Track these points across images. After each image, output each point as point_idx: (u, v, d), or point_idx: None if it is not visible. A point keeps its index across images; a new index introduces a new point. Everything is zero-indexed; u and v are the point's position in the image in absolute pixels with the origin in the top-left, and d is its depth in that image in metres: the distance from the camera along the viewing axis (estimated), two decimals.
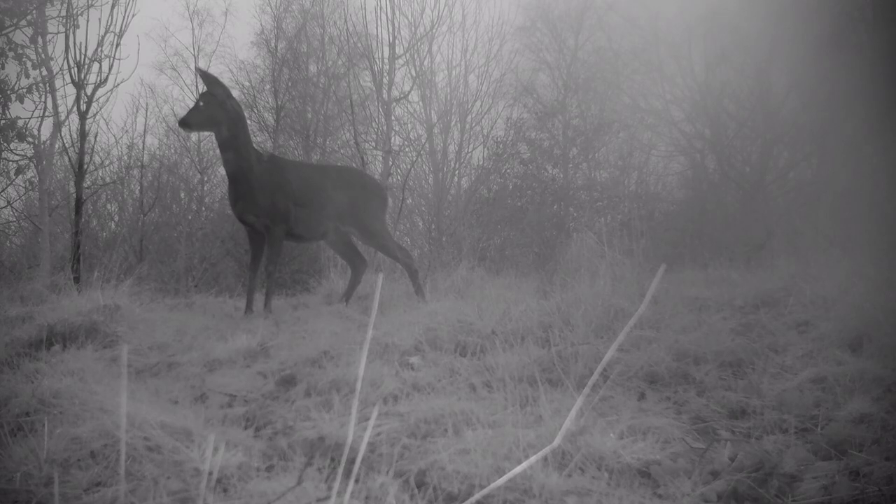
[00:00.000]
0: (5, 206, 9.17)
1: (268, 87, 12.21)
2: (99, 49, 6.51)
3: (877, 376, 2.23)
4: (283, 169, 4.88)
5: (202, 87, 4.81)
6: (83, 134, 6.58)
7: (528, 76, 12.43)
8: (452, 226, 10.75)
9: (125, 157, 11.60)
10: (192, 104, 4.93)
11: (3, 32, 6.42)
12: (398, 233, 9.97)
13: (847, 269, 4.09)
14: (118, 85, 6.68)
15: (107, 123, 13.27)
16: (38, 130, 7.43)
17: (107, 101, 7.55)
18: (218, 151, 5.07)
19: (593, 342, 2.81)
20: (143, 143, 12.11)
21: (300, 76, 12.34)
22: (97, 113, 6.91)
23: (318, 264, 8.35)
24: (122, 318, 3.54)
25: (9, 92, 6.59)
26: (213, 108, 4.62)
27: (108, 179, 10.84)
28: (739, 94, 9.97)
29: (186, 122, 4.71)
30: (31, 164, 7.61)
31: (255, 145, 4.92)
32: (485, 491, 1.30)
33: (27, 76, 6.72)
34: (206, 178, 12.30)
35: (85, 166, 6.71)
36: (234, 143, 4.64)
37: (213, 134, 4.80)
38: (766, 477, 1.66)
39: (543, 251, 10.12)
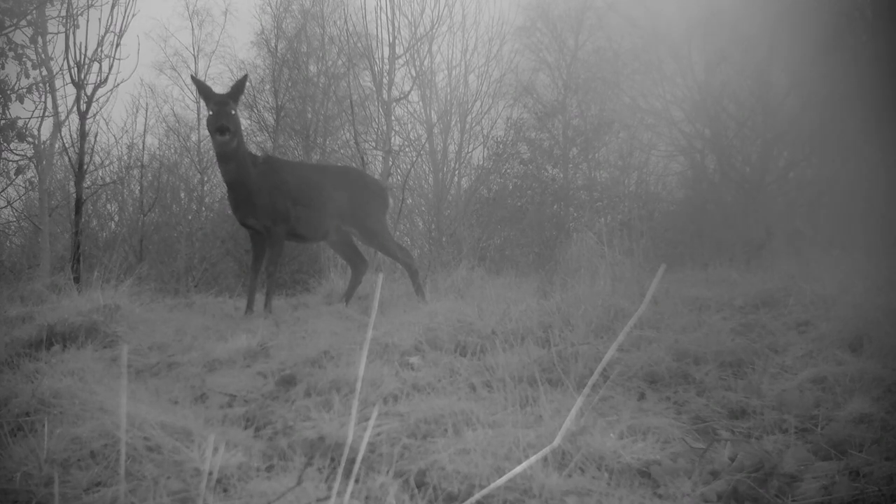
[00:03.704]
0: (5, 206, 9.20)
1: (268, 87, 12.22)
2: (99, 49, 6.53)
3: (877, 376, 2.23)
4: (280, 170, 4.85)
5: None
6: (83, 134, 6.58)
7: (528, 76, 12.46)
8: (452, 226, 10.75)
9: (125, 157, 11.63)
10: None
11: (3, 32, 6.41)
12: (398, 233, 9.97)
13: (847, 269, 4.10)
14: (118, 85, 6.73)
15: (107, 123, 13.32)
16: (38, 130, 7.44)
17: (107, 101, 7.59)
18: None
19: (593, 342, 2.81)
20: (143, 143, 12.17)
21: (300, 76, 12.35)
22: (97, 113, 6.95)
23: (318, 264, 8.35)
24: (122, 318, 3.54)
25: (9, 92, 6.59)
26: (237, 115, 4.50)
27: (108, 179, 10.86)
28: (739, 94, 9.96)
29: (227, 129, 4.34)
30: (31, 164, 7.61)
31: (252, 147, 4.88)
32: (485, 491, 1.30)
33: (27, 76, 6.72)
34: (206, 178, 12.32)
35: (85, 166, 6.72)
36: (236, 153, 4.51)
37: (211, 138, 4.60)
38: (766, 477, 1.66)
39: (543, 251, 10.13)
